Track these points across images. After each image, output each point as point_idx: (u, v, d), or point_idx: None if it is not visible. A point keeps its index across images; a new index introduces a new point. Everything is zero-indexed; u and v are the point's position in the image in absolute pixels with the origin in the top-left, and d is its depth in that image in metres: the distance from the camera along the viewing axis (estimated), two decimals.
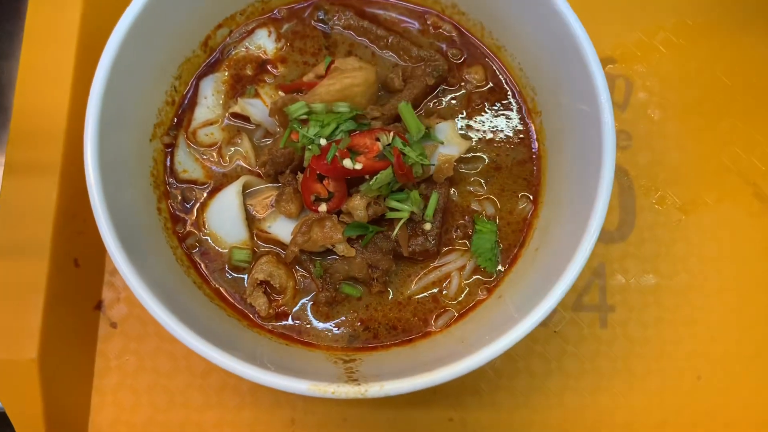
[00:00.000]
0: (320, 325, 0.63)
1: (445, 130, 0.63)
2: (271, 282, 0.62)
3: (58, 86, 0.69)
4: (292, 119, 0.61)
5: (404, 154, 0.59)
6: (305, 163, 0.61)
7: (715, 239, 0.75)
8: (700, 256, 0.75)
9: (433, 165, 0.62)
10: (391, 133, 0.60)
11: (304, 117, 0.61)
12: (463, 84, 0.68)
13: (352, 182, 0.61)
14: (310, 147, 0.59)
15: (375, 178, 0.58)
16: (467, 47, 0.69)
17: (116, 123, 0.58)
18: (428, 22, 0.69)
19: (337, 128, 0.60)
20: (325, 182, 0.60)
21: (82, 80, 0.70)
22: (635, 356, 0.72)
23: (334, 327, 0.63)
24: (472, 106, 0.68)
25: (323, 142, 0.59)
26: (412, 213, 0.61)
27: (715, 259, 0.74)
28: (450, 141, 0.63)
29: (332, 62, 0.64)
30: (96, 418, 0.69)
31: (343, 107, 0.61)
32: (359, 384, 0.52)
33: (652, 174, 0.77)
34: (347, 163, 0.58)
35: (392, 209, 0.61)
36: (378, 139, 0.60)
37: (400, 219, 0.61)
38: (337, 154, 0.58)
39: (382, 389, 0.51)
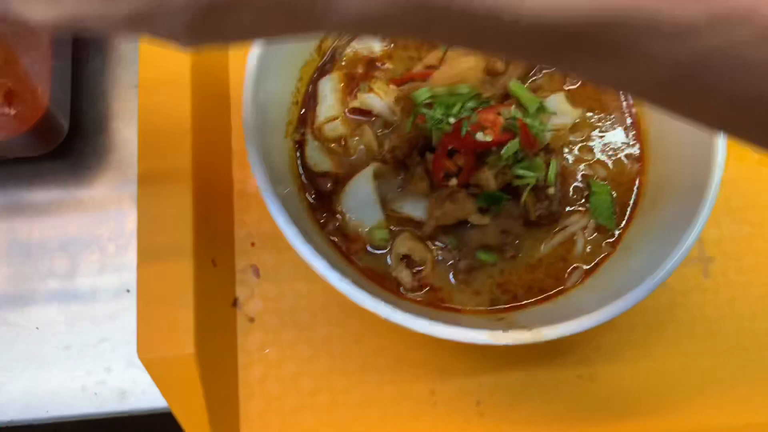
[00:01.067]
0: (461, 292, 0.67)
1: (556, 101, 0.69)
2: (412, 256, 0.66)
3: (179, 93, 0.74)
4: (417, 104, 0.66)
5: (528, 125, 0.64)
6: (434, 143, 0.66)
7: None
8: None
9: (550, 132, 0.67)
10: (512, 107, 0.65)
11: (429, 101, 0.66)
12: None
13: (478, 156, 0.66)
14: (439, 126, 0.64)
15: (505, 148, 0.63)
16: None
17: (263, 124, 0.62)
18: None
19: (462, 107, 0.65)
20: (454, 158, 0.65)
21: (199, 84, 0.74)
22: (739, 300, 0.77)
23: (475, 292, 0.67)
24: (568, 81, 0.73)
25: (452, 120, 0.64)
26: (536, 179, 0.66)
27: None
28: (561, 111, 0.68)
29: (446, 50, 0.70)
30: (245, 409, 0.72)
31: (463, 88, 0.66)
32: (531, 329, 0.56)
33: None
34: (479, 136, 0.63)
35: (518, 177, 0.66)
36: (500, 114, 0.65)
37: (526, 186, 0.65)
38: (469, 128, 0.63)
39: (555, 331, 0.56)
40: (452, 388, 0.73)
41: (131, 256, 0.77)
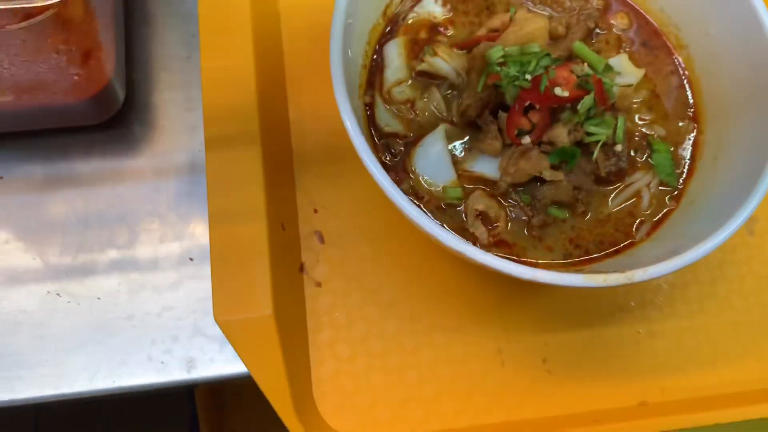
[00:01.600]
0: (535, 248, 0.69)
1: (620, 62, 0.71)
2: (488, 212, 0.67)
3: (241, 55, 0.74)
4: (491, 63, 0.68)
5: (603, 81, 0.66)
6: (509, 101, 0.67)
7: None
8: None
9: (618, 90, 0.70)
10: (585, 64, 0.67)
11: (501, 60, 0.67)
12: (611, 28, 0.77)
13: (552, 113, 0.67)
14: (516, 83, 0.66)
15: (581, 103, 0.65)
16: None
17: (347, 84, 0.63)
18: None
19: (537, 64, 0.66)
20: (529, 114, 0.67)
21: (262, 48, 0.75)
22: None
23: (548, 248, 0.69)
24: (624, 45, 0.76)
25: (529, 77, 0.66)
26: (606, 137, 0.68)
27: None
28: (626, 71, 0.71)
29: (515, 11, 0.72)
30: (317, 372, 0.72)
31: (534, 47, 0.68)
32: (623, 272, 0.58)
33: None
34: (558, 91, 0.65)
35: (589, 134, 0.68)
36: (572, 72, 0.67)
37: (597, 143, 0.67)
38: (547, 84, 0.65)
39: (645, 273, 0.58)
40: (519, 347, 0.74)
41: (192, 225, 0.76)
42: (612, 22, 0.77)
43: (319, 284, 0.74)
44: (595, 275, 0.57)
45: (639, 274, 0.57)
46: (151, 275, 0.74)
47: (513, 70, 0.66)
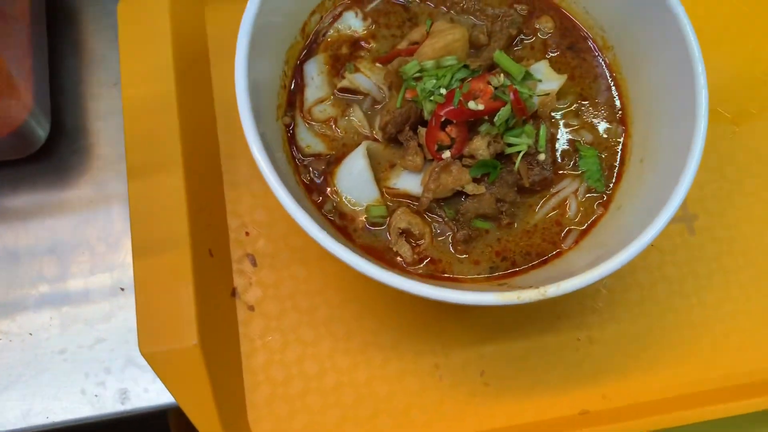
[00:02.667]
0: (461, 262, 0.68)
1: (540, 68, 0.70)
2: (411, 230, 0.67)
3: (163, 85, 0.73)
4: (407, 78, 0.67)
5: (518, 90, 0.65)
6: (426, 116, 0.67)
7: None
8: (759, 161, 0.83)
9: (538, 99, 0.69)
10: (501, 75, 0.66)
11: (418, 75, 0.67)
12: (536, 33, 0.76)
13: (470, 127, 0.67)
14: (431, 99, 0.65)
15: (497, 115, 0.64)
16: (533, 0, 0.76)
17: (257, 109, 0.62)
18: None
19: (452, 78, 0.65)
20: (448, 129, 0.66)
21: (183, 75, 0.74)
22: (725, 254, 0.79)
23: (474, 262, 0.68)
24: (549, 50, 0.75)
25: (444, 91, 0.65)
26: (528, 146, 0.67)
27: None
28: (546, 77, 0.70)
29: (432, 24, 0.71)
30: (252, 397, 0.71)
31: (451, 60, 0.67)
32: (536, 288, 0.57)
33: None
34: (472, 104, 0.64)
35: (510, 144, 0.67)
36: (489, 83, 0.66)
37: (518, 153, 0.67)
38: (461, 98, 0.64)
39: (559, 288, 0.57)
40: (456, 361, 0.74)
41: (122, 254, 0.76)
42: (537, 26, 0.76)
43: (252, 308, 0.74)
44: (509, 293, 0.56)
45: (552, 290, 0.57)
46: (82, 308, 0.74)
47: (428, 85, 0.65)
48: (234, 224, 0.76)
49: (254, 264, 0.75)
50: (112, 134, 0.80)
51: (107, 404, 0.70)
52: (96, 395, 0.70)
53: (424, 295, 0.56)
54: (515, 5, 0.76)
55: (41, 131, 0.74)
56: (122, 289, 0.73)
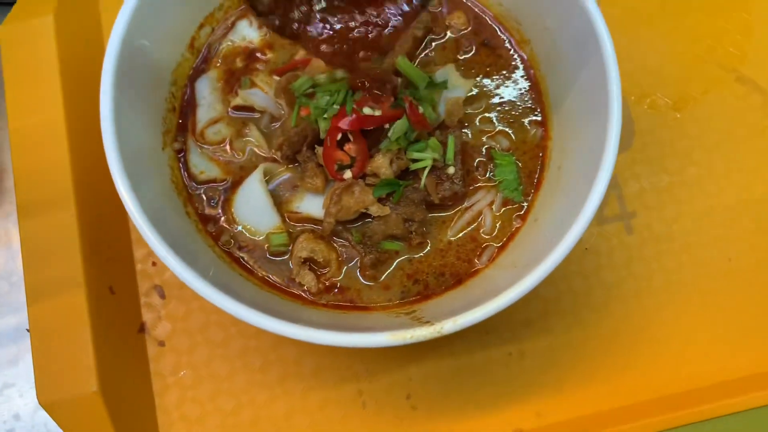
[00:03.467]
0: (371, 288, 0.64)
1: (446, 74, 0.65)
2: (315, 258, 0.62)
3: (51, 111, 0.69)
4: (298, 95, 0.62)
5: (414, 101, 0.60)
6: (322, 135, 0.62)
7: (712, 129, 0.78)
8: (702, 147, 0.78)
9: (443, 108, 0.63)
10: (399, 80, 0.61)
11: (310, 91, 0.62)
12: (448, 31, 0.70)
13: (371, 144, 0.62)
14: (325, 116, 0.60)
15: (392, 129, 0.60)
16: None
17: (130, 139, 0.58)
18: None
19: (347, 94, 0.60)
20: (346, 147, 0.61)
21: (74, 104, 0.69)
22: (665, 253, 0.75)
23: (384, 287, 0.64)
24: (462, 49, 0.70)
25: (337, 107, 0.60)
26: (435, 160, 0.62)
27: (716, 146, 0.78)
28: (453, 84, 0.65)
29: None
30: None
31: (343, 73, 0.62)
32: (432, 324, 0.53)
33: (637, 81, 0.79)
34: (367, 110, 0.59)
35: (414, 160, 0.62)
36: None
37: (424, 168, 0.62)
38: (354, 105, 0.59)
39: (456, 324, 0.53)
40: (380, 385, 0.70)
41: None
42: (448, 23, 0.70)
43: (162, 343, 0.70)
44: (403, 331, 0.53)
45: (449, 326, 0.53)
46: None
47: (322, 102, 0.60)
48: (140, 255, 0.72)
49: (162, 296, 0.71)
50: (5, 169, 0.76)
51: None
52: None
53: (313, 341, 0.52)
54: (426, 2, 0.71)
55: None
56: (27, 330, 0.69)
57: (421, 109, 0.60)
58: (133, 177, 0.55)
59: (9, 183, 0.75)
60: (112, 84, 0.56)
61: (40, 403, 0.62)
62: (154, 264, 0.72)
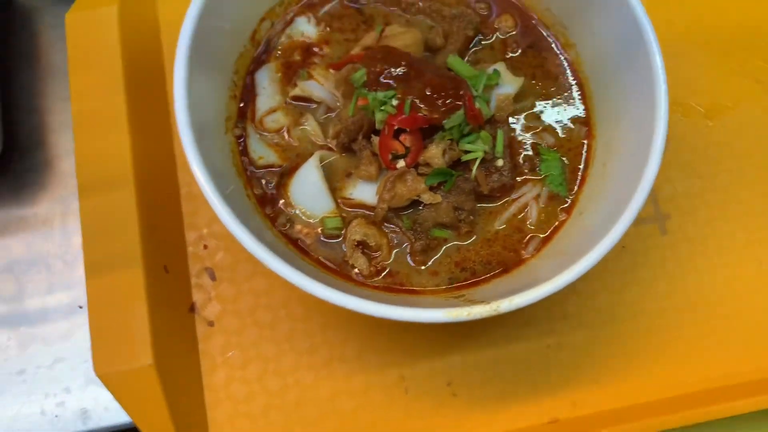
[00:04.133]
0: (419, 273, 0.66)
1: (498, 71, 0.68)
2: (367, 241, 0.65)
3: (113, 98, 0.72)
4: (358, 87, 0.65)
5: (472, 96, 0.63)
6: (378, 125, 0.65)
7: (742, 137, 0.81)
8: (733, 155, 0.81)
9: (494, 103, 0.66)
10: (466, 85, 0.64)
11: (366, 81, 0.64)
12: (496, 32, 0.73)
13: (425, 135, 0.65)
14: (382, 108, 0.63)
15: (448, 121, 0.62)
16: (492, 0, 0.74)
17: (198, 120, 0.60)
18: None
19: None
20: (402, 138, 0.64)
21: (135, 86, 0.72)
22: (698, 255, 0.77)
23: (432, 273, 0.66)
24: (509, 50, 0.73)
25: (395, 102, 0.63)
26: (485, 152, 0.65)
27: (747, 154, 0.80)
28: (503, 81, 0.68)
29: (383, 30, 0.69)
30: (213, 414, 0.70)
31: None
32: (488, 303, 0.55)
33: (670, 89, 0.81)
34: (424, 110, 0.62)
35: (466, 151, 0.65)
36: None
37: (475, 159, 0.65)
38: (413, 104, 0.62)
39: (512, 303, 0.55)
40: (422, 372, 0.72)
41: (80, 272, 0.75)
42: (496, 26, 0.74)
43: (211, 323, 0.72)
44: (458, 309, 0.55)
45: (505, 305, 0.55)
46: (40, 327, 0.72)
47: (381, 94, 0.63)
48: (192, 238, 0.74)
49: (213, 278, 0.73)
50: (68, 149, 0.79)
51: (68, 424, 0.69)
52: (56, 416, 0.69)
53: (369, 313, 0.54)
54: (474, 5, 0.74)
55: None
56: (80, 307, 0.72)
57: (477, 104, 0.63)
58: (203, 155, 0.58)
59: (63, 167, 0.78)
60: (186, 66, 0.59)
61: (96, 374, 0.64)
62: (205, 247, 0.74)
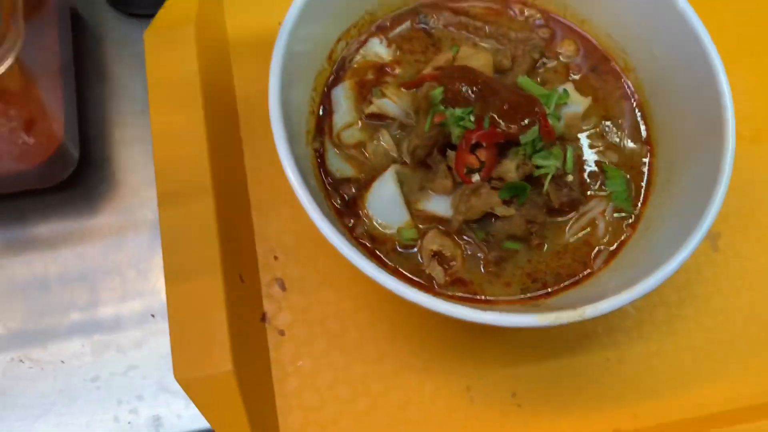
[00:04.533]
0: (492, 284, 0.68)
1: (566, 91, 0.71)
2: (443, 252, 0.67)
3: (191, 112, 0.74)
4: (435, 103, 0.68)
5: (546, 113, 0.66)
6: (455, 140, 0.67)
7: None
8: None
9: (564, 121, 0.70)
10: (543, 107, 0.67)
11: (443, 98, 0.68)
12: (558, 56, 0.77)
13: (499, 150, 0.67)
14: (460, 123, 0.66)
15: (523, 136, 0.65)
16: (555, 25, 0.78)
17: (290, 137, 0.63)
18: (515, 10, 0.78)
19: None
20: (477, 153, 0.67)
21: (209, 104, 0.75)
22: (751, 272, 0.80)
23: (506, 283, 0.68)
24: (571, 73, 0.76)
25: (473, 118, 0.66)
26: (556, 168, 0.67)
27: None
28: (572, 101, 0.71)
29: (457, 51, 0.72)
30: (285, 422, 0.71)
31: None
32: (574, 309, 0.57)
33: None
34: (503, 125, 0.65)
35: (538, 167, 0.67)
36: None
37: (547, 175, 0.67)
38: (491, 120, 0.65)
39: (596, 309, 0.57)
40: (487, 383, 0.74)
41: (152, 281, 0.76)
42: (558, 50, 0.77)
43: (282, 332, 0.74)
44: (547, 314, 0.57)
45: (590, 311, 0.57)
46: (114, 334, 0.74)
47: (458, 111, 0.66)
48: (262, 249, 0.77)
49: (283, 288, 0.75)
50: (137, 162, 0.81)
51: (141, 431, 0.70)
52: (129, 422, 0.70)
53: (466, 319, 0.56)
54: (537, 30, 0.78)
55: (72, 159, 0.75)
56: (153, 316, 0.73)
57: (550, 121, 0.66)
58: (298, 167, 0.60)
59: (134, 179, 0.80)
60: (279, 87, 0.62)
61: (176, 379, 0.65)
62: (275, 258, 0.76)
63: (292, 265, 0.76)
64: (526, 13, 0.78)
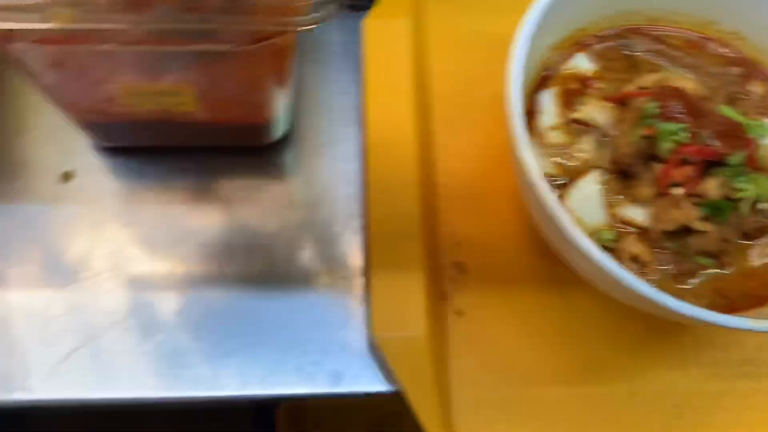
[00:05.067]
0: (682, 295, 0.71)
1: (764, 126, 0.75)
2: (641, 256, 0.71)
3: (401, 104, 0.80)
4: (646, 117, 0.72)
5: (754, 141, 0.70)
6: (662, 153, 0.72)
7: None
8: None
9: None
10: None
11: (657, 113, 0.72)
12: (749, 95, 0.81)
13: (703, 168, 0.71)
14: (674, 138, 0.70)
15: (730, 158, 0.69)
16: (747, 65, 0.82)
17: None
18: (712, 46, 0.83)
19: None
20: (683, 168, 0.71)
21: (416, 91, 0.81)
22: None
23: (695, 296, 0.71)
24: (760, 111, 0.80)
25: (687, 134, 0.70)
26: (756, 194, 0.71)
27: None
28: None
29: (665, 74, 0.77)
30: (459, 396, 0.74)
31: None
32: None
33: None
34: (715, 143, 0.69)
35: (738, 189, 0.71)
36: None
37: (745, 198, 0.71)
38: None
39: None
40: (652, 387, 0.76)
41: (349, 244, 0.80)
42: (750, 89, 0.82)
43: (460, 313, 0.78)
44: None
45: None
46: (308, 290, 0.78)
47: (672, 125, 0.71)
48: (445, 233, 0.81)
49: (464, 272, 0.79)
50: (338, 137, 0.86)
51: (321, 383, 0.73)
52: (311, 373, 0.74)
53: (711, 322, 0.60)
54: (730, 66, 0.82)
55: (286, 125, 0.81)
56: (344, 278, 0.77)
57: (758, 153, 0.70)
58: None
59: (335, 151, 0.86)
60: (518, 88, 0.67)
61: (375, 336, 0.70)
62: (458, 243, 0.80)
63: (472, 252, 0.80)
64: (720, 51, 0.83)
